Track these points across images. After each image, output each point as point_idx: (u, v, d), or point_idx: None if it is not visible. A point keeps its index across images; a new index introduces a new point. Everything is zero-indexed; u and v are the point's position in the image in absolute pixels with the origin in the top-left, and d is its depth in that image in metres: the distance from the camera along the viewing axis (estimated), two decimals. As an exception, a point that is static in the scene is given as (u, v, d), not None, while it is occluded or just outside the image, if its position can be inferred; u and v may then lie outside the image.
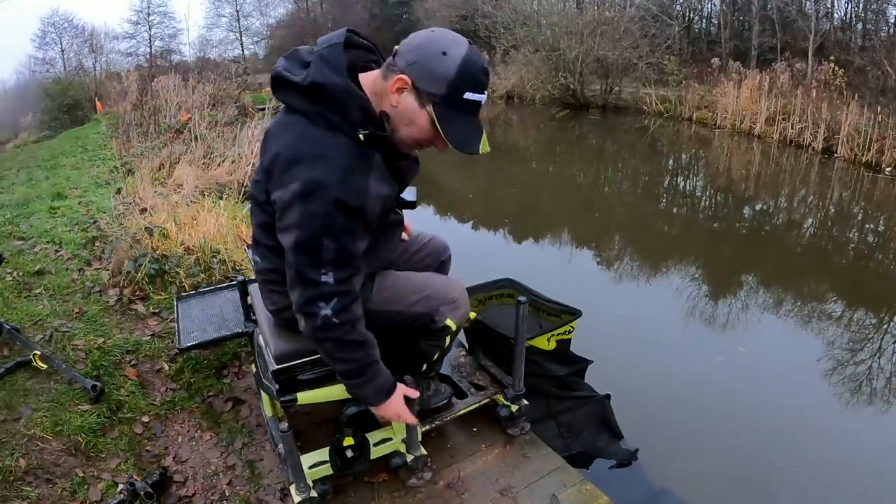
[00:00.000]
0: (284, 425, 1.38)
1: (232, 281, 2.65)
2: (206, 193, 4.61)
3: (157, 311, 2.69)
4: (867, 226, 5.97)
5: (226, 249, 3.07)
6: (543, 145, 11.02)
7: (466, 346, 2.12)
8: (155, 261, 2.89)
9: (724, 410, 2.66)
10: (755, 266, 4.64)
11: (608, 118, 12.69)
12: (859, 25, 14.01)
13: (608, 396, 2.09)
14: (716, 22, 16.97)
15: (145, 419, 2.04)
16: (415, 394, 1.48)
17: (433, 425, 1.76)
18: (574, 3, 16.31)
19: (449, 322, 1.50)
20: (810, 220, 6.15)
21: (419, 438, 1.67)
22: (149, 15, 24.60)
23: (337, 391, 1.51)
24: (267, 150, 1.23)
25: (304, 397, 1.51)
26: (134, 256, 2.89)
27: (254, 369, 1.98)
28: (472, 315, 1.97)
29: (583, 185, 7.91)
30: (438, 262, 1.73)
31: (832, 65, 9.43)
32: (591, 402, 2.08)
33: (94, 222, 3.77)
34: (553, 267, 4.64)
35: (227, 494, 1.75)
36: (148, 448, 1.93)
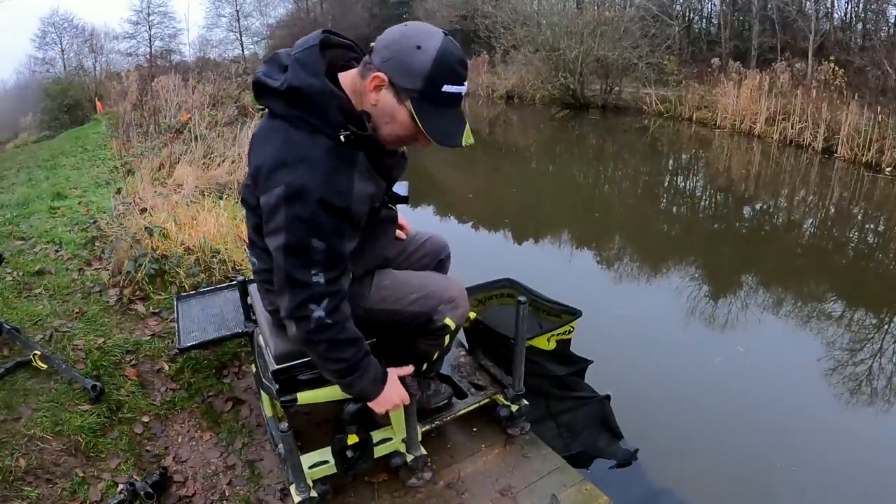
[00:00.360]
0: (284, 425, 1.38)
1: (232, 281, 2.65)
2: (206, 193, 4.61)
3: (157, 311, 2.69)
4: (867, 226, 5.97)
5: (226, 249, 3.07)
6: (543, 145, 11.01)
7: (466, 346, 2.12)
8: (155, 261, 2.89)
9: (724, 410, 2.66)
10: (755, 266, 4.64)
11: (608, 118, 12.69)
12: (859, 25, 14.00)
13: (608, 397, 2.09)
14: (716, 22, 16.97)
15: (145, 419, 2.04)
16: (408, 370, 1.48)
17: (433, 425, 1.75)
18: (574, 3, 16.31)
19: (448, 321, 1.50)
20: (810, 220, 6.15)
21: (419, 438, 1.67)
22: (149, 15, 24.60)
23: (337, 391, 1.51)
24: (252, 157, 1.23)
25: (304, 397, 1.51)
26: (134, 256, 2.89)
27: (254, 369, 1.98)
28: (472, 315, 1.97)
29: (583, 185, 7.91)
30: (437, 260, 1.72)
31: (832, 65, 9.43)
32: (591, 402, 2.08)
33: (94, 222, 3.77)
34: (553, 267, 4.64)
35: (227, 494, 1.75)
36: (148, 448, 1.93)
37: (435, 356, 1.64)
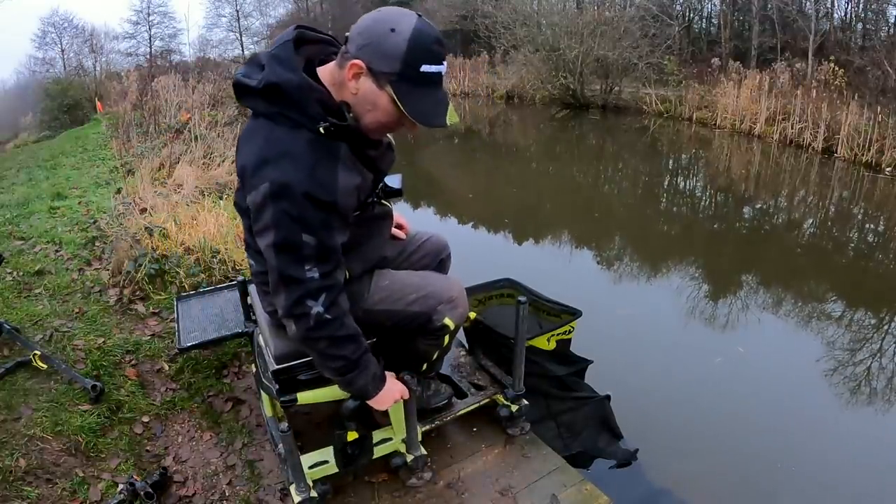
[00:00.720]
0: (284, 425, 1.38)
1: (232, 281, 2.65)
2: (206, 193, 4.61)
3: (157, 311, 2.69)
4: (867, 226, 5.97)
5: (226, 249, 3.07)
6: (543, 145, 11.01)
7: (466, 346, 2.12)
8: (155, 261, 2.89)
9: (724, 410, 2.66)
10: (755, 266, 4.64)
11: (608, 118, 12.69)
12: (859, 25, 14.01)
13: (608, 397, 2.09)
14: (716, 22, 16.98)
15: (145, 419, 2.04)
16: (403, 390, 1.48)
17: (433, 425, 1.75)
18: (574, 3, 16.32)
19: (447, 321, 1.49)
20: (810, 220, 6.15)
21: (419, 438, 1.67)
22: (149, 15, 24.58)
23: (337, 391, 1.51)
24: (238, 158, 1.23)
25: (304, 397, 1.51)
26: (134, 256, 2.89)
27: (254, 369, 1.98)
28: (472, 315, 1.97)
29: (583, 185, 7.91)
30: (437, 261, 1.71)
31: (832, 65, 9.44)
32: (591, 402, 2.08)
33: (94, 222, 3.77)
34: (553, 267, 4.64)
35: (227, 494, 1.75)
36: (148, 448, 1.93)
37: (435, 356, 1.63)
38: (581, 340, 2.05)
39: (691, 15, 17.65)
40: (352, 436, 1.52)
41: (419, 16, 1.12)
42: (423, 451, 1.66)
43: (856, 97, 8.16)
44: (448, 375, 1.96)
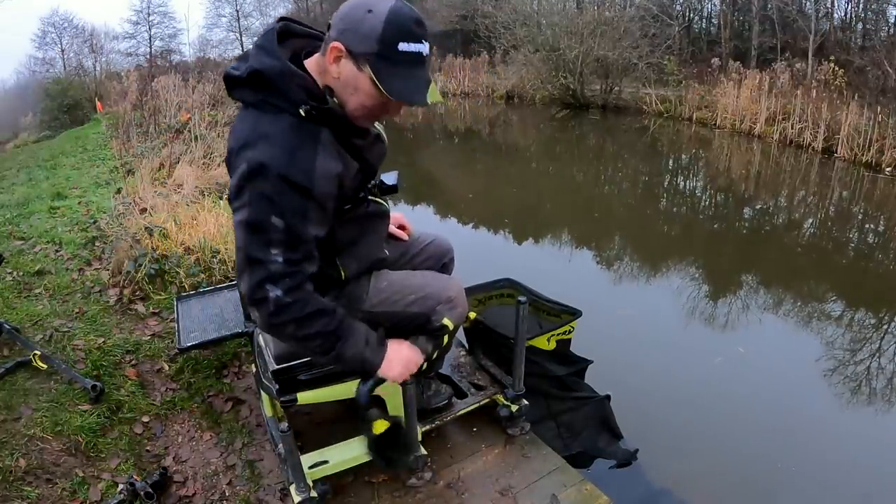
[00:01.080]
0: (284, 425, 1.38)
1: (232, 281, 2.65)
2: (206, 193, 4.61)
3: (157, 311, 2.69)
4: (867, 226, 5.97)
5: (226, 249, 3.07)
6: (543, 145, 11.01)
7: (466, 346, 2.12)
8: (155, 261, 2.89)
9: (724, 410, 2.66)
10: (755, 266, 4.64)
11: (608, 118, 12.69)
12: (859, 25, 14.02)
13: (608, 397, 2.09)
14: (716, 22, 16.98)
15: (145, 419, 2.04)
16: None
17: (433, 425, 1.75)
18: (574, 3, 16.32)
19: (446, 321, 1.48)
20: (810, 220, 6.15)
21: (419, 438, 1.66)
22: (149, 15, 24.61)
23: (337, 391, 1.51)
24: (227, 148, 1.24)
25: (304, 397, 1.50)
26: (134, 256, 2.89)
27: (254, 369, 1.98)
28: (472, 315, 1.97)
29: (583, 186, 7.91)
30: (440, 264, 1.69)
31: (832, 65, 9.43)
32: (591, 402, 2.08)
33: (94, 222, 3.77)
34: (553, 267, 4.64)
35: (227, 494, 1.75)
36: (148, 448, 1.93)
37: (434, 356, 1.62)
38: (581, 340, 2.05)
39: (691, 15, 17.67)
40: (380, 426, 1.44)
41: None
42: (423, 451, 1.66)
43: (856, 97, 8.16)
44: (448, 375, 1.96)
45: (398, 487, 1.68)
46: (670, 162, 9.26)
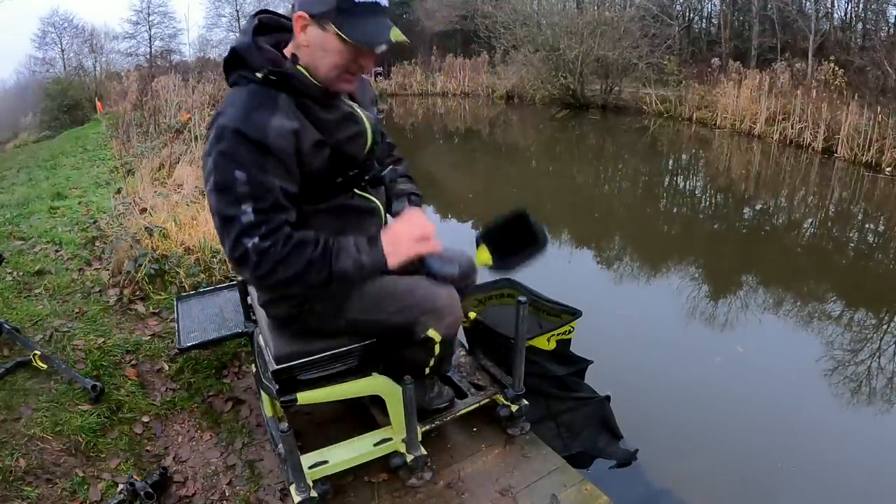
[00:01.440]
0: (284, 425, 1.38)
1: (232, 281, 2.65)
2: (206, 193, 4.61)
3: (157, 311, 2.69)
4: (867, 226, 5.97)
5: (226, 249, 3.07)
6: (543, 145, 11.01)
7: (466, 346, 2.12)
8: (155, 261, 2.89)
9: (724, 410, 2.65)
10: (755, 266, 4.64)
11: (608, 118, 12.69)
12: (859, 25, 14.03)
13: (608, 398, 2.09)
14: (716, 22, 16.99)
15: (145, 419, 2.04)
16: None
17: (433, 425, 1.75)
18: (574, 3, 16.32)
19: (431, 333, 1.40)
20: (810, 220, 6.15)
21: (419, 438, 1.66)
22: (149, 15, 24.59)
23: (337, 391, 1.51)
24: None
25: (304, 397, 1.50)
26: (134, 256, 2.89)
27: (254, 369, 1.97)
28: (472, 315, 1.98)
29: (583, 185, 7.90)
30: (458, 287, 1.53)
31: (832, 65, 9.44)
32: (591, 402, 2.08)
33: (94, 222, 3.78)
34: (553, 267, 4.63)
35: (227, 494, 1.75)
36: (148, 448, 1.93)
37: (430, 364, 1.55)
38: (581, 340, 2.05)
39: (691, 15, 17.68)
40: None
41: None
42: (423, 451, 1.66)
43: (856, 97, 8.16)
44: (448, 376, 1.96)
45: (398, 487, 1.68)
46: (670, 162, 9.26)
